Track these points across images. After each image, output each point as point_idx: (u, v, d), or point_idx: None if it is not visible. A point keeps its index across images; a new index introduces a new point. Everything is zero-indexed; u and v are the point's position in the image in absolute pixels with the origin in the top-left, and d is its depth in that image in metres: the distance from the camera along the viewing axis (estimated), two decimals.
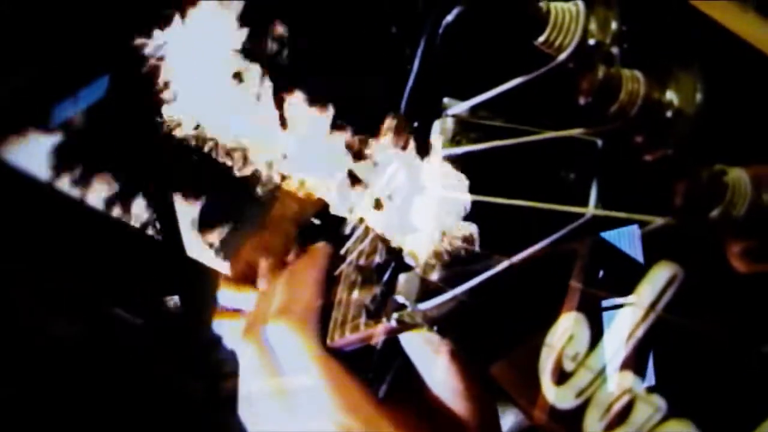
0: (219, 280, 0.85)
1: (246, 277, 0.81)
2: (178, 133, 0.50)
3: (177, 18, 0.49)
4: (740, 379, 0.40)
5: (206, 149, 0.52)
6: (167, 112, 0.50)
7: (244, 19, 0.50)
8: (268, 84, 0.52)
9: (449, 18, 0.56)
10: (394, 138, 0.60)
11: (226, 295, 0.81)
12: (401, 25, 0.81)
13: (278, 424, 0.64)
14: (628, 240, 0.46)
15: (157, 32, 0.49)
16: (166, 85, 0.49)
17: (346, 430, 0.60)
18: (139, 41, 0.49)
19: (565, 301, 0.48)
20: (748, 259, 0.40)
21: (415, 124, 0.60)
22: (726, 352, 0.41)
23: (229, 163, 0.53)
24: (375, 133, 0.59)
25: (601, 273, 0.47)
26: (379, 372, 0.62)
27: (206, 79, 0.50)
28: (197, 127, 0.50)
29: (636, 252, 0.45)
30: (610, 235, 0.46)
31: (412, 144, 0.59)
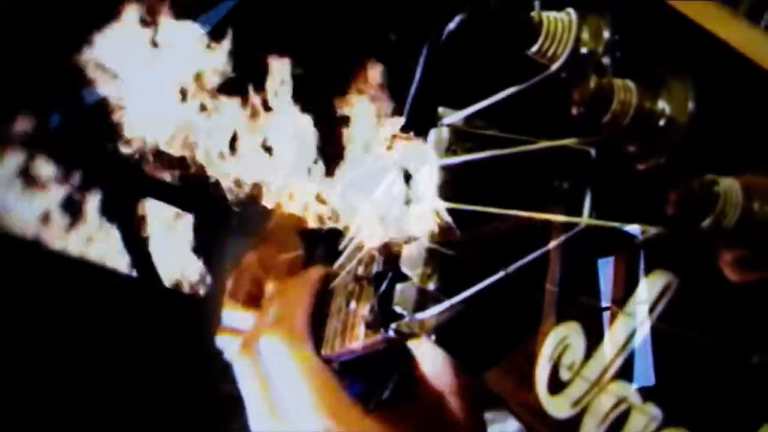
0: (222, 299, 0.85)
1: (252, 296, 0.82)
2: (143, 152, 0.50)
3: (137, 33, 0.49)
4: (735, 388, 0.40)
5: (181, 168, 0.52)
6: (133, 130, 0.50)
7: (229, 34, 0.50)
8: (261, 95, 0.52)
9: (452, 26, 0.56)
10: (393, 146, 0.60)
11: (230, 315, 0.82)
12: (402, 34, 0.81)
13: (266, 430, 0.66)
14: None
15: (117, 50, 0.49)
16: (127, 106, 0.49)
17: None
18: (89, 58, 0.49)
19: (559, 310, 0.48)
20: (739, 267, 0.40)
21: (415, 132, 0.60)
22: (720, 361, 0.41)
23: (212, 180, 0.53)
24: (375, 142, 0.59)
25: (594, 281, 0.47)
26: (375, 381, 0.62)
27: (176, 96, 0.50)
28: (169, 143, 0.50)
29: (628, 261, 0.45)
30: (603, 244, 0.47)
31: (410, 152, 0.59)
